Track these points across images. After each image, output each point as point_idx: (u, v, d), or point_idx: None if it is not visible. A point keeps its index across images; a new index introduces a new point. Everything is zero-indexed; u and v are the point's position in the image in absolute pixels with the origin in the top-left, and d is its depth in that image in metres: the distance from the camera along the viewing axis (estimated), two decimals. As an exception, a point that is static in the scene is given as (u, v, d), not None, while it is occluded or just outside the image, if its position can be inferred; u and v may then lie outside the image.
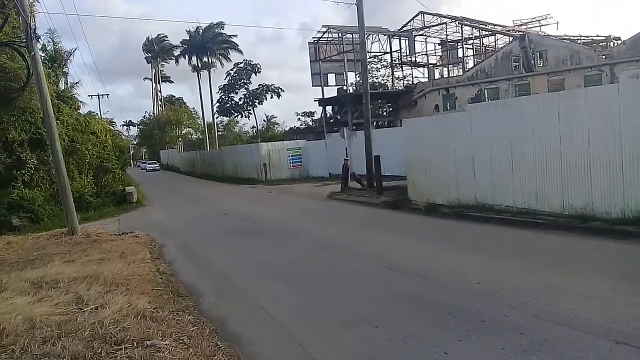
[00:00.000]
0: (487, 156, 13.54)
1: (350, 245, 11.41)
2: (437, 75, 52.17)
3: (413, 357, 5.09)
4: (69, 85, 32.79)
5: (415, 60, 53.65)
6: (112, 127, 35.76)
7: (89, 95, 70.87)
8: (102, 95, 65.09)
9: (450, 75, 52.44)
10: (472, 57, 55.30)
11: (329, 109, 53.30)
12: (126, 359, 4.90)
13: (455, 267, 8.34)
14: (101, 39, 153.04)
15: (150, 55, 79.68)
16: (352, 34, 47.18)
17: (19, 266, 10.33)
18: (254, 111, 62.93)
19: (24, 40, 14.85)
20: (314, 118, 63.35)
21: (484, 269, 8.03)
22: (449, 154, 14.75)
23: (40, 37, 17.95)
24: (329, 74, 52.03)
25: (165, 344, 5.38)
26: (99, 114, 50.28)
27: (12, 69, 18.54)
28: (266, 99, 60.91)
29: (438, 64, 56.47)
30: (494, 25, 53.28)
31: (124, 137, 55.10)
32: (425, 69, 54.25)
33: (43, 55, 26.08)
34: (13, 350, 5.02)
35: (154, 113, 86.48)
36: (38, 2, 23.58)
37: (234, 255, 11.53)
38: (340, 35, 49.62)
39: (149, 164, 76.62)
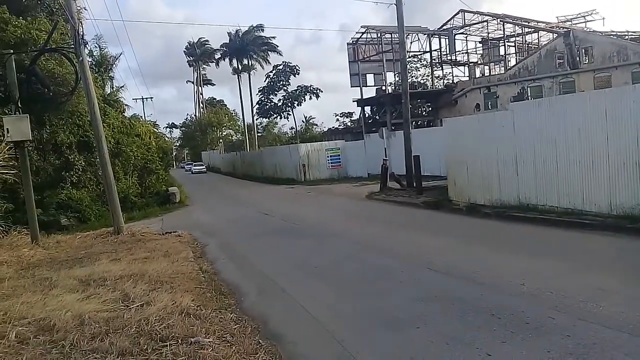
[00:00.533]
0: (530, 155, 13.26)
1: (390, 245, 11.35)
2: (477, 74, 51.34)
3: (456, 359, 5.02)
4: (114, 89, 33.71)
5: (456, 59, 52.98)
6: (155, 130, 36.64)
7: (133, 99, 72.33)
8: (146, 98, 66.90)
9: (491, 73, 51.51)
10: (514, 55, 54.19)
11: (367, 109, 53.19)
12: (171, 355, 5.00)
13: (498, 268, 8.20)
14: (145, 43, 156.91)
15: (192, 58, 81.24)
16: (390, 34, 46.91)
17: (67, 264, 10.66)
18: (292, 112, 63.35)
19: (72, 46, 15.36)
20: (352, 119, 63.34)
21: (528, 270, 7.85)
22: (491, 154, 14.50)
23: (87, 43, 18.64)
24: (367, 75, 51.89)
25: (209, 341, 5.47)
26: (143, 117, 51.54)
27: (60, 74, 19.19)
28: (305, 100, 61.17)
29: (479, 62, 55.58)
30: (537, 22, 52.07)
31: (167, 139, 56.37)
32: (466, 68, 53.50)
33: (90, 60, 26.89)
34: (63, 346, 5.19)
35: (195, 115, 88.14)
36: (85, 9, 24.43)
37: (274, 255, 11.63)
38: (378, 35, 49.42)
39: (194, 165, 72.15)
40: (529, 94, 39.16)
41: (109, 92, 30.88)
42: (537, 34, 52.58)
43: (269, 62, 65.35)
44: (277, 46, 66.06)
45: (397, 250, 10.71)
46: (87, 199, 21.23)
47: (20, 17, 18.63)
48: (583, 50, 39.40)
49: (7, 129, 13.27)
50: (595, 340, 4.96)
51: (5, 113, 15.57)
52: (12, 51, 15.29)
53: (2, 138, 14.42)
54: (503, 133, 14.13)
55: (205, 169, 70.52)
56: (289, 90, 61.02)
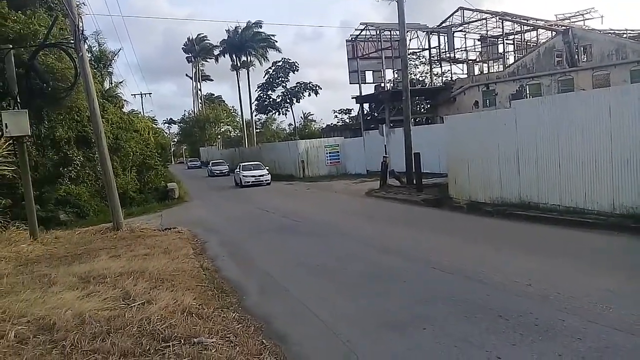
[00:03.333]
0: (532, 154, 13.19)
1: (392, 243, 11.26)
2: (476, 72, 51.25)
3: (464, 361, 4.95)
4: (113, 84, 33.62)
5: (454, 57, 52.86)
6: (154, 125, 36.56)
7: (132, 94, 72.12)
8: (145, 94, 66.77)
9: (490, 71, 51.42)
10: (512, 53, 54.10)
11: (366, 106, 53.09)
12: (174, 356, 4.92)
13: (503, 268, 8.12)
14: (145, 39, 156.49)
15: (190, 55, 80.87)
16: (390, 30, 46.80)
17: (67, 260, 10.54)
18: (291, 109, 63.24)
19: (72, 41, 15.21)
20: (351, 115, 63.24)
21: (533, 270, 7.78)
22: (493, 151, 14.43)
23: (87, 38, 18.45)
24: (366, 72, 51.74)
25: (212, 342, 5.38)
26: (142, 112, 51.35)
27: (59, 70, 19.04)
28: (304, 96, 61.11)
29: (478, 60, 55.46)
30: (536, 20, 51.94)
31: (165, 134, 56.21)
32: (465, 65, 53.35)
33: (89, 55, 26.72)
34: (64, 346, 5.09)
35: (194, 111, 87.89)
36: (84, 4, 24.25)
37: (275, 253, 11.54)
38: (378, 32, 49.25)
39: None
40: (528, 92, 39.10)
41: (107, 87, 30.77)
42: (536, 31, 52.51)
43: (267, 59, 65.28)
44: (276, 42, 65.99)
45: (400, 248, 10.63)
46: (85, 195, 21.10)
47: (20, 12, 18.48)
48: (582, 49, 39.30)
49: (6, 124, 13.13)
50: (608, 344, 4.89)
51: (3, 108, 15.42)
52: (11, 46, 15.10)
53: (0, 133, 14.29)
54: (505, 131, 14.05)
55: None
56: (288, 87, 60.89)
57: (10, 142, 14.24)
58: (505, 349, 5.04)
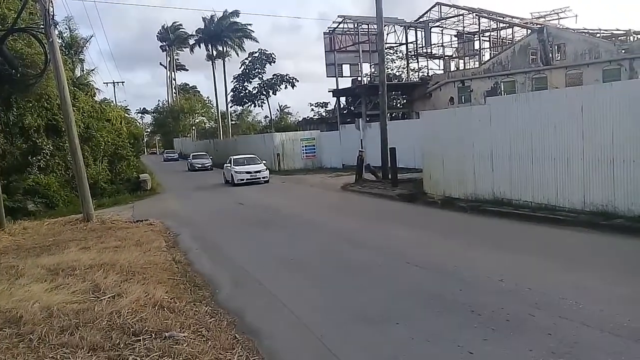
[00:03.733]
0: (506, 150, 13.33)
1: (367, 238, 11.29)
2: (452, 68, 51.65)
3: (437, 357, 4.96)
4: (85, 72, 33.02)
5: (431, 52, 53.15)
6: (127, 115, 35.90)
7: (104, 83, 70.82)
8: (118, 82, 65.47)
9: (466, 67, 51.88)
10: (488, 50, 54.67)
11: (343, 100, 53.08)
12: (144, 350, 4.83)
13: (475, 263, 8.20)
14: (118, 26, 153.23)
15: (165, 43, 79.53)
16: (367, 24, 46.81)
17: (35, 252, 10.33)
18: (267, 101, 62.79)
19: (42, 26, 14.83)
20: (327, 109, 63.12)
21: (505, 266, 7.86)
22: (467, 148, 14.55)
23: (57, 24, 17.96)
24: (343, 65, 51.73)
25: (184, 336, 5.31)
26: (115, 102, 50.44)
27: (29, 55, 18.53)
28: (280, 89, 60.68)
29: (454, 56, 55.91)
30: (512, 17, 52.57)
31: (138, 124, 55.34)
32: (441, 61, 53.74)
33: (60, 41, 26.12)
34: (31, 340, 4.96)
35: (168, 101, 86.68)
36: (55, -12, 23.60)
37: (248, 246, 11.46)
38: (355, 25, 49.25)
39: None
40: (503, 89, 39.58)
41: (79, 75, 30.18)
42: (511, 29, 53.09)
43: (244, 50, 64.57)
44: (253, 32, 65.29)
45: (373, 243, 10.65)
46: (55, 185, 20.65)
47: (-13, -5, 17.94)
48: (556, 47, 39.86)
49: (-28, 110, 12.75)
50: (577, 339, 4.95)
51: (-30, 94, 14.98)
52: (-23, 29, 14.68)
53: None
54: (479, 127, 14.17)
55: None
56: (265, 79, 60.47)
57: (-23, 129, 13.85)
58: (478, 343, 5.07)
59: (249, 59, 60.95)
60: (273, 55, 60.68)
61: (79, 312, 5.79)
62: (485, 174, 14.11)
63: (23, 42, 18.45)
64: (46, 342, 4.94)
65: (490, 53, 52.86)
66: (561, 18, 51.06)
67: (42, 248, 10.82)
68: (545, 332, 5.19)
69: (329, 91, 51.62)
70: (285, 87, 60.40)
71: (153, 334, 5.24)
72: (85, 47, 34.25)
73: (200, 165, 43.89)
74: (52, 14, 14.40)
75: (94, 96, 29.63)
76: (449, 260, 8.51)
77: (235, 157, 30.15)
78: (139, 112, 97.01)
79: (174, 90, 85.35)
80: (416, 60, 54.76)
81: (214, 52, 66.69)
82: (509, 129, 13.17)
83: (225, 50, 65.71)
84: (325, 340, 5.57)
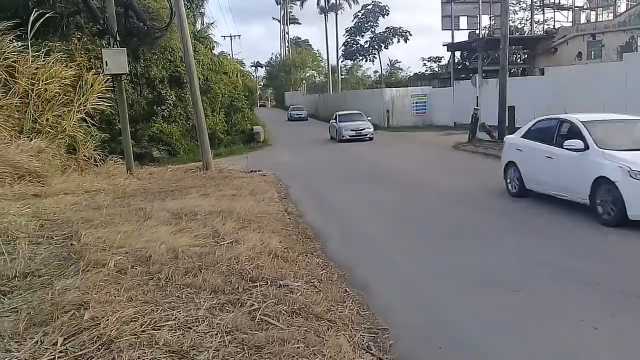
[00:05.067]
0: (644, 112, 12.06)
1: (481, 202, 10.82)
2: (582, 20, 47.39)
3: (557, 330, 4.68)
4: (204, 25, 34.10)
5: (559, 3, 48.98)
6: (242, 68, 36.91)
7: (222, 36, 73.29)
8: (235, 36, 67.46)
9: (598, 20, 47.35)
10: (625, 0, 49.38)
11: (457, 54, 50.77)
12: (261, 296, 4.99)
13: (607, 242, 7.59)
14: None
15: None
16: (489, -27, 43.90)
17: (160, 196, 11.01)
18: (379, 55, 61.72)
19: (167, -20, 15.45)
20: (440, 64, 60.82)
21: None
22: (598, 108, 13.38)
23: (181, -22, 18.59)
24: (460, 17, 49.09)
25: (297, 285, 5.44)
26: (231, 55, 52.02)
27: (155, 9, 19.51)
28: (392, 42, 59.31)
29: (585, 6, 51.14)
30: (657, -38, 46.84)
31: (252, 78, 56.85)
32: (570, 13, 49.42)
33: (183, -5, 27.15)
34: (159, 279, 5.30)
35: (280, 55, 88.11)
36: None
37: (358, 202, 11.50)
38: (476, -26, 46.39)
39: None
40: (639, 44, 35.73)
41: (199, 28, 31.25)
42: (655, -24, 47.43)
43: (357, 2, 63.55)
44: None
45: (487, 206, 10.23)
46: (177, 133, 21.97)
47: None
48: None
49: (106, 61, 13.66)
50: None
51: (103, 46, 16.06)
52: (111, -16, 15.57)
53: (100, 70, 14.94)
54: (612, 86, 12.98)
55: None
56: (377, 32, 59.28)
57: (109, 79, 14.88)
58: (604, 319, 4.73)
59: (362, 11, 59.94)
60: (387, 8, 59.23)
61: (201, 255, 6.11)
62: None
63: (149, -3, 19.41)
64: (172, 281, 5.26)
65: (628, 4, 47.72)
66: None
67: (166, 193, 11.52)
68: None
69: (443, 45, 49.41)
70: (398, 41, 58.95)
71: (269, 281, 5.41)
72: (205, 1, 35.37)
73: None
74: (176, -32, 14.90)
75: (213, 49, 30.69)
76: (578, 233, 7.91)
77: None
78: (252, 66, 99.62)
79: (286, 44, 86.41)
80: (542, 12, 50.79)
81: (327, 5, 66.26)
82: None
83: (338, 3, 65.05)
84: (435, 303, 5.50)
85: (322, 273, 6.21)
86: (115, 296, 4.72)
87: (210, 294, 4.97)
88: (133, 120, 19.78)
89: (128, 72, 16.04)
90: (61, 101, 14.24)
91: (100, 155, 15.27)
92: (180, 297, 4.87)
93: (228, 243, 6.73)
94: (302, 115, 51.76)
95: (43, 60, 14.05)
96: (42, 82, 13.71)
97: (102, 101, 15.32)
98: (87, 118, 15.15)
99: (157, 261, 5.77)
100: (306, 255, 6.91)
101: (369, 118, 28.88)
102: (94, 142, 15.35)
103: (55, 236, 6.88)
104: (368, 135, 26.78)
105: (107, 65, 13.71)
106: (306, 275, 5.93)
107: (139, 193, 11.48)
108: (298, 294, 5.17)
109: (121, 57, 13.93)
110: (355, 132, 26.72)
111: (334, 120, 28.79)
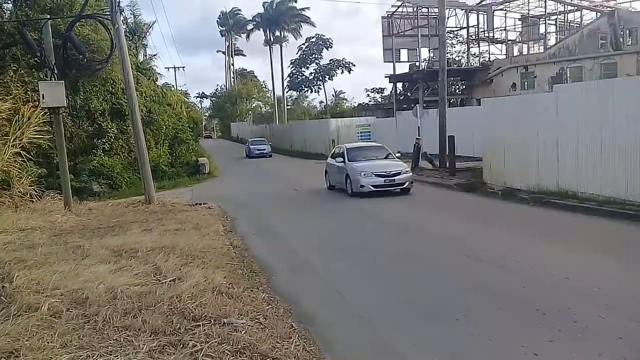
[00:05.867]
0: (573, 140, 12.74)
1: (423, 227, 11.10)
2: (515, 52, 49.83)
3: (499, 356, 4.77)
4: (147, 57, 33.83)
5: (494, 36, 51.41)
6: (186, 99, 36.64)
7: (165, 67, 72.61)
8: (179, 67, 66.92)
9: (530, 52, 49.90)
10: (554, 34, 52.33)
11: (399, 85, 52.23)
12: (204, 336, 4.88)
13: (539, 259, 7.89)
14: (180, 11, 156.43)
15: (224, 28, 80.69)
16: (427, 8, 45.72)
17: (99, 233, 10.69)
18: (323, 86, 62.75)
19: (108, 13, 15.26)
20: (383, 94, 62.39)
21: (571, 263, 7.53)
22: (531, 137, 14.00)
23: (123, 10, 18.45)
24: (401, 50, 50.79)
25: (242, 323, 5.34)
26: (175, 86, 51.62)
27: (95, 41, 19.20)
28: (336, 74, 60.50)
29: (517, 40, 53.87)
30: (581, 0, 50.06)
31: (197, 108, 56.46)
32: (504, 46, 51.93)
33: (124, 27, 26.85)
34: (96, 321, 5.11)
35: (226, 86, 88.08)
36: (120, -25, 24.24)
37: (304, 233, 11.51)
38: (415, 9, 48.19)
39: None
40: (568, 75, 37.79)
41: (142, 60, 30.93)
42: (579, 12, 50.59)
43: (301, 35, 64.72)
44: (309, 18, 65.27)
45: (431, 233, 10.46)
46: (118, 166, 21.42)
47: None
48: (627, 31, 37.79)
49: (43, 94, 13.28)
50: (652, 346, 4.66)
51: (40, 78, 15.62)
52: (48, 16, 15.23)
53: (37, 103, 14.48)
54: (545, 116, 13.60)
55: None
56: (321, 64, 60.36)
57: (47, 112, 14.44)
58: (543, 345, 4.81)
59: (306, 44, 61.02)
60: (330, 40, 60.55)
61: (141, 295, 5.93)
62: (549, 165, 13.56)
63: (90, 28, 19.10)
64: (110, 324, 5.07)
65: (557, 37, 50.58)
66: (633, 0, 48.31)
67: (106, 229, 11.17)
68: (616, 335, 4.90)
69: (385, 76, 50.87)
70: (342, 72, 60.17)
71: (212, 320, 5.29)
72: (148, 33, 35.16)
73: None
74: (117, 0, 14.75)
75: (156, 81, 30.42)
76: (510, 254, 8.23)
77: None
78: (198, 97, 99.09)
79: (232, 75, 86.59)
80: (477, 45, 53.14)
81: (272, 37, 67.06)
82: (577, 118, 12.56)
83: (282, 35, 65.99)
84: (382, 333, 5.50)
85: (267, 308, 6.12)
86: (48, 342, 4.52)
87: (150, 336, 4.82)
88: (72, 154, 19.19)
89: (66, 105, 15.61)
90: (-5, 135, 13.70)
91: (36, 191, 14.73)
92: (118, 340, 4.70)
93: (170, 281, 6.57)
94: (264, 151, 40.89)
95: (-24, 93, 13.52)
96: (-26, 116, 13.16)
97: (40, 135, 14.82)
98: (23, 152, 14.60)
99: (94, 302, 5.57)
100: (251, 291, 6.81)
101: (398, 154, 19.12)
102: (29, 177, 14.79)
103: (-15, 279, 6.52)
104: (406, 185, 16.18)
105: (44, 98, 13.33)
106: (251, 312, 5.84)
107: (77, 230, 11.09)
108: (242, 332, 5.08)
109: (59, 89, 13.57)
110: (383, 178, 15.86)
111: (339, 159, 17.38)
